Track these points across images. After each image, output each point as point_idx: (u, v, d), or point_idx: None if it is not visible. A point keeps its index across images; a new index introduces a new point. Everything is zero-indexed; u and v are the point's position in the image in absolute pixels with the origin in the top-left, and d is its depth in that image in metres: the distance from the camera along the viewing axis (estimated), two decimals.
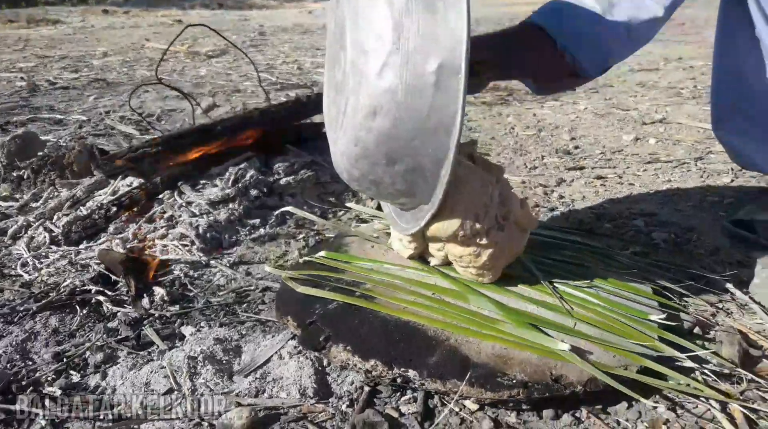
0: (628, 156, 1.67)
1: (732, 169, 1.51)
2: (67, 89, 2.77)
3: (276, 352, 0.79)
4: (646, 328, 0.76)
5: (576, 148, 1.76)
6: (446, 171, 0.69)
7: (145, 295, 0.94)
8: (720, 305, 0.90)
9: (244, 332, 0.85)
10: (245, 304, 0.93)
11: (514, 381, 0.67)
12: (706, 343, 0.80)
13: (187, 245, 1.09)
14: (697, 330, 0.83)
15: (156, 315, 0.90)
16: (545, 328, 0.75)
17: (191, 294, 0.96)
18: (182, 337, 0.85)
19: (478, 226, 0.78)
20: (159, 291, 0.95)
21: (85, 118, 2.17)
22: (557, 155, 1.69)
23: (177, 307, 0.92)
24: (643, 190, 1.40)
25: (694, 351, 0.75)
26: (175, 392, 0.73)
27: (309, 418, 0.69)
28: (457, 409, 0.69)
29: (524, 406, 0.69)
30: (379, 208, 1.29)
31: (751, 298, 0.90)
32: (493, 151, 1.75)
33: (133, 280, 0.96)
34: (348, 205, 1.08)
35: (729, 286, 0.93)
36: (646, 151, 1.71)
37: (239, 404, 0.71)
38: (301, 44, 4.39)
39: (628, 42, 0.95)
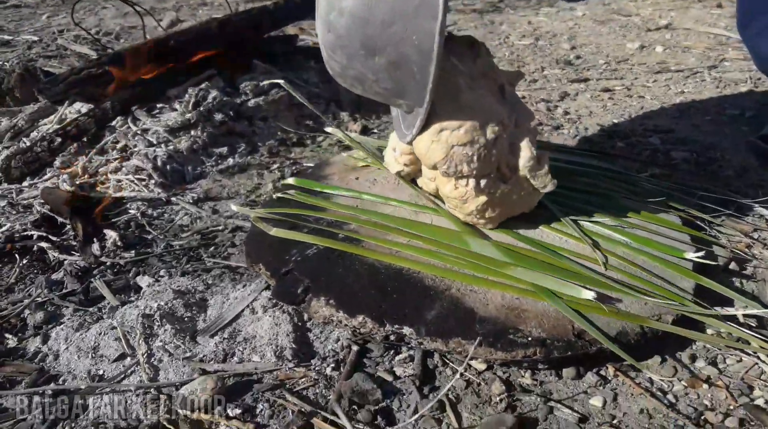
0: (634, 66, 1.52)
1: (750, 78, 1.37)
2: (18, 8, 2.52)
3: (248, 306, 0.67)
4: (678, 272, 0.65)
5: (578, 57, 1.61)
6: (434, 65, 0.56)
7: (95, 239, 0.81)
8: (755, 235, 0.79)
9: (210, 282, 0.73)
10: (212, 248, 0.80)
11: (530, 338, 0.56)
12: (744, 282, 0.69)
13: (144, 180, 0.95)
14: (733, 265, 0.72)
15: (108, 263, 0.77)
16: (564, 273, 0.63)
17: (149, 237, 0.83)
18: (138, 290, 0.73)
19: (465, 167, 0.65)
20: (111, 234, 0.82)
21: (36, 38, 1.96)
22: (558, 66, 1.54)
23: (132, 253, 0.79)
24: (655, 103, 1.26)
25: (732, 296, 0.64)
26: (128, 358, 0.62)
27: (287, 386, 0.58)
28: (461, 370, 0.58)
29: (541, 365, 0.59)
30: (365, 131, 1.15)
31: None
32: None
33: (81, 223, 0.83)
34: (327, 129, 0.94)
35: (763, 211, 0.82)
36: (653, 59, 1.56)
37: (204, 371, 0.59)
38: None
39: None
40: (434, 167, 0.68)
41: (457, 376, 0.58)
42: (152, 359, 0.61)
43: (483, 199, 0.67)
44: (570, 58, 1.60)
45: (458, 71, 0.66)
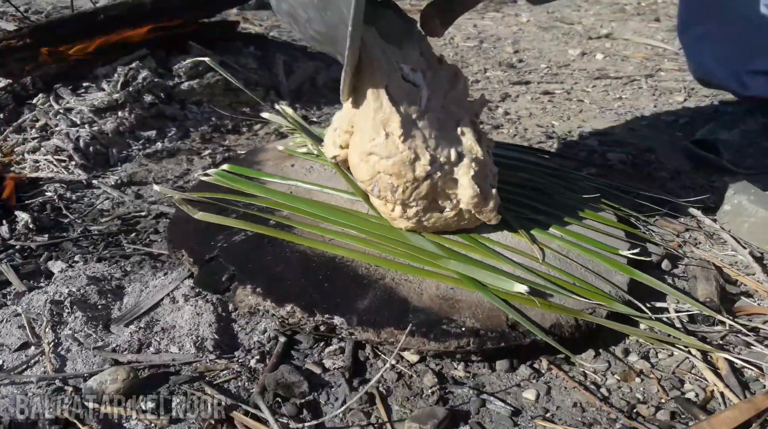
0: (575, 71, 1.54)
1: (685, 88, 1.41)
2: None
3: (168, 295, 0.63)
4: (613, 267, 0.65)
5: (520, 61, 1.62)
6: (353, 8, 0.49)
7: (4, 221, 0.75)
8: (687, 235, 0.80)
9: (128, 269, 0.68)
10: (133, 234, 0.75)
11: (464, 328, 0.55)
12: (676, 280, 0.70)
13: (64, 161, 0.88)
14: (665, 264, 0.72)
15: (17, 247, 0.71)
16: (500, 265, 0.62)
17: (66, 221, 0.77)
18: (49, 275, 0.67)
19: (389, 195, 0.62)
20: (23, 216, 0.75)
21: None
22: (501, 68, 1.55)
23: (45, 236, 0.73)
24: (593, 107, 1.28)
25: (665, 292, 0.64)
26: (32, 347, 0.56)
27: (207, 378, 0.54)
28: (393, 362, 0.56)
29: (474, 357, 0.57)
30: (305, 121, 1.11)
31: (720, 226, 0.80)
32: None
33: None
34: (264, 115, 0.90)
35: (695, 212, 0.83)
36: (593, 66, 1.59)
37: (116, 362, 0.55)
38: None
39: None
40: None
41: (387, 366, 0.55)
42: (59, 349, 0.56)
43: (411, 224, 0.65)
44: (513, 62, 1.61)
45: (410, 102, 0.62)
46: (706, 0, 0.96)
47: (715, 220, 0.81)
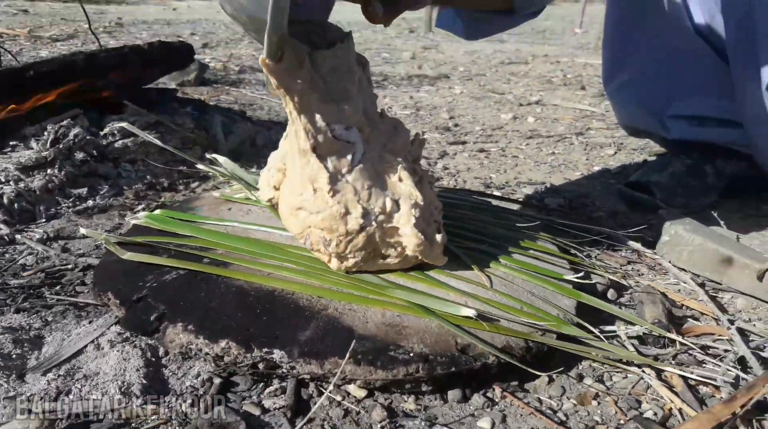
0: (508, 132, 1.59)
1: (614, 143, 1.47)
2: None
3: (92, 342, 0.58)
4: (561, 291, 0.64)
5: (456, 125, 1.67)
6: None
7: None
8: (629, 267, 0.80)
9: (49, 319, 0.63)
10: (58, 287, 0.70)
11: (412, 354, 0.52)
12: (623, 309, 0.69)
13: None
14: (611, 293, 0.72)
15: None
16: (446, 294, 0.60)
17: None
18: None
19: (322, 247, 0.61)
20: None
21: None
22: (438, 131, 1.58)
23: None
24: (528, 161, 1.31)
25: (615, 314, 0.64)
26: None
27: (133, 425, 0.49)
28: (339, 398, 0.52)
29: (424, 387, 0.54)
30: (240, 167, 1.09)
31: (660, 257, 0.81)
32: None
33: None
34: (199, 166, 0.88)
35: (635, 245, 0.84)
36: (525, 128, 1.65)
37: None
38: (162, 32, 4.04)
39: None
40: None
41: (329, 394, 0.51)
42: None
43: (348, 267, 0.63)
44: (449, 125, 1.65)
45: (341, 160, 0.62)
46: (625, 49, 1.01)
47: (654, 252, 0.83)
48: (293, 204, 0.61)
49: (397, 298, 0.58)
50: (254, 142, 1.25)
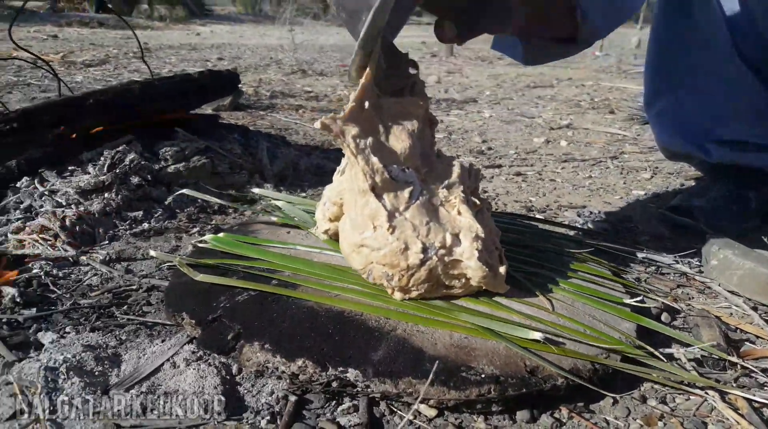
0: (542, 156, 1.61)
1: (649, 166, 1.48)
2: None
3: (168, 360, 0.60)
4: (620, 314, 0.65)
5: (489, 148, 1.69)
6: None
7: None
8: (680, 290, 0.81)
9: (124, 337, 0.65)
10: (125, 307, 0.73)
11: (483, 375, 0.53)
12: (678, 331, 0.70)
13: (49, 240, 0.86)
14: (665, 316, 0.73)
15: (3, 319, 0.68)
16: (510, 316, 0.62)
17: (53, 296, 0.74)
18: (39, 346, 0.63)
19: (385, 282, 0.63)
20: (9, 291, 0.72)
21: None
22: (472, 155, 1.61)
23: (33, 310, 0.70)
24: (566, 184, 1.33)
25: (674, 336, 0.65)
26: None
27: None
28: (411, 417, 0.54)
29: (494, 408, 0.55)
30: (290, 193, 1.12)
31: (710, 280, 0.82)
32: None
33: None
34: (254, 190, 0.91)
35: (684, 268, 0.85)
36: (559, 151, 1.67)
37: (118, 427, 0.51)
38: (189, 57, 4.13)
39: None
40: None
41: (409, 416, 0.53)
42: (55, 416, 0.52)
43: (411, 297, 0.65)
44: (482, 149, 1.68)
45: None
46: (668, 74, 1.03)
47: (704, 276, 0.83)
48: (355, 241, 0.63)
49: (463, 321, 0.59)
50: (297, 166, 1.28)
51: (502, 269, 0.64)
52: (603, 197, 1.24)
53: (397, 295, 0.64)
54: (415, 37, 7.81)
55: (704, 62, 0.98)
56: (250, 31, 7.68)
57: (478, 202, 0.67)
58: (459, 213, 0.65)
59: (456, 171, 0.68)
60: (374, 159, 0.62)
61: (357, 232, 0.63)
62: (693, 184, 1.32)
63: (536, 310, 0.64)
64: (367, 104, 0.63)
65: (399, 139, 0.65)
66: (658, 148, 1.15)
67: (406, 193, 0.64)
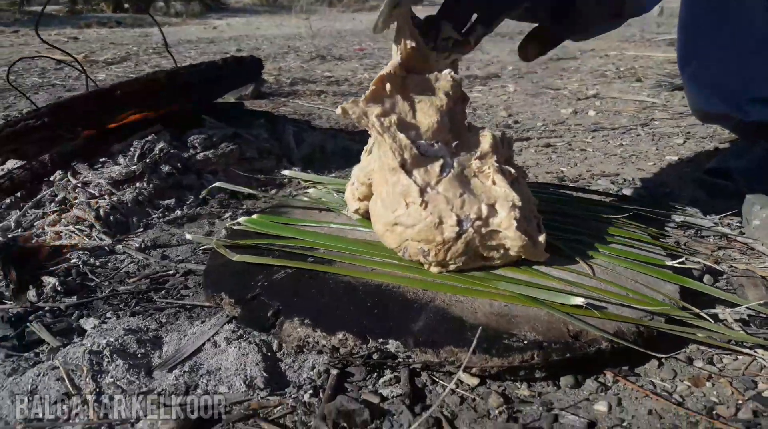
0: (571, 126, 1.58)
1: (681, 132, 1.45)
2: None
3: (209, 340, 0.61)
4: (662, 276, 0.64)
5: (516, 122, 1.66)
6: None
7: (31, 286, 0.73)
8: (720, 252, 0.79)
9: (164, 320, 0.66)
10: (163, 291, 0.74)
11: (526, 342, 0.53)
12: (722, 292, 0.68)
13: (85, 230, 0.88)
14: (707, 278, 0.71)
15: (46, 308, 0.69)
16: (551, 283, 0.61)
17: (93, 283, 0.76)
18: (82, 332, 0.64)
19: (421, 258, 0.63)
20: (50, 280, 0.74)
21: None
22: (499, 129, 1.58)
23: (74, 298, 0.71)
24: (597, 153, 1.30)
25: (720, 297, 0.63)
26: (73, 398, 0.53)
27: (261, 415, 0.51)
28: (453, 386, 0.53)
29: (537, 374, 0.54)
30: (320, 173, 1.12)
31: (752, 241, 0.80)
32: None
33: (14, 271, 0.74)
34: (285, 172, 0.91)
35: (725, 230, 0.83)
36: (588, 121, 1.64)
37: (164, 405, 0.52)
38: (208, 50, 4.14)
39: None
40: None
41: (451, 386, 0.52)
42: (102, 397, 0.53)
43: (449, 270, 0.64)
44: (509, 123, 1.66)
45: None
46: (703, 33, 1.00)
47: (745, 237, 0.81)
48: (388, 220, 0.63)
49: (503, 289, 0.59)
50: (323, 149, 1.28)
51: (542, 237, 0.63)
52: (636, 164, 1.21)
53: (435, 270, 0.63)
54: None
55: (737, 19, 0.94)
56: (266, 22, 7.68)
57: (513, 170, 0.66)
58: (494, 183, 0.64)
59: (488, 141, 0.67)
60: (401, 136, 0.62)
61: (389, 210, 0.63)
62: (728, 146, 1.28)
63: (577, 276, 0.63)
64: (388, 86, 0.63)
65: (426, 115, 0.64)
66: (691, 111, 1.12)
67: (436, 167, 0.63)
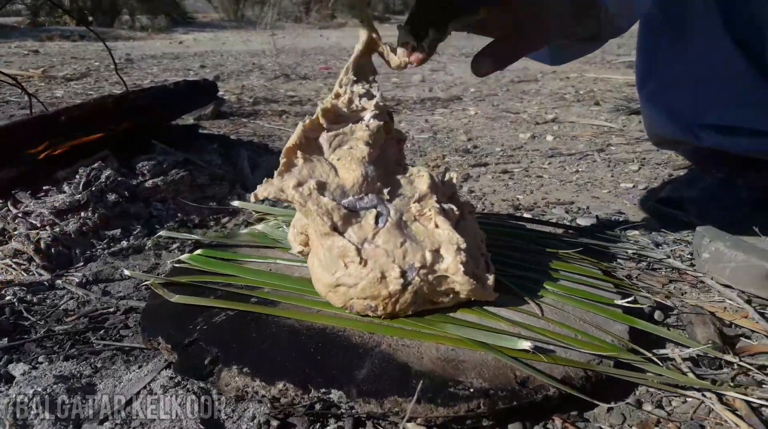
0: (529, 152, 1.59)
1: (636, 158, 1.46)
2: None
3: (145, 387, 0.58)
4: (611, 316, 0.63)
5: (475, 147, 1.67)
6: None
7: None
8: (671, 286, 0.79)
9: (99, 365, 0.63)
10: (102, 331, 0.70)
11: (472, 390, 0.51)
12: (671, 329, 0.68)
13: (23, 264, 0.84)
14: (657, 314, 0.71)
15: None
16: (498, 325, 0.60)
17: (27, 323, 0.72)
18: (10, 379, 0.61)
19: (369, 312, 0.60)
20: None
21: None
22: (458, 154, 1.59)
23: (5, 340, 0.68)
24: (553, 180, 1.31)
25: (668, 337, 0.63)
26: None
27: None
28: None
29: (485, 422, 0.53)
30: (273, 204, 1.09)
31: (702, 274, 0.80)
32: None
33: None
34: (234, 203, 0.89)
35: (675, 263, 0.83)
36: (545, 146, 1.65)
37: None
38: (172, 67, 4.09)
39: None
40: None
41: None
42: None
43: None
44: (468, 147, 1.66)
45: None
46: (658, 57, 1.01)
47: (695, 270, 0.82)
48: (329, 282, 0.61)
49: (450, 333, 0.57)
50: None
51: (491, 279, 0.62)
52: (591, 192, 1.22)
53: (386, 321, 0.61)
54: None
55: (695, 45, 0.95)
56: (232, 38, 7.64)
57: (456, 209, 0.65)
58: (436, 225, 0.62)
59: (425, 181, 0.65)
60: (324, 200, 0.60)
61: (329, 272, 0.60)
62: (681, 174, 1.30)
63: (525, 316, 0.61)
64: (299, 154, 0.62)
65: (349, 170, 0.62)
66: (648, 135, 1.13)
67: (370, 219, 0.61)
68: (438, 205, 0.63)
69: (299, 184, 0.60)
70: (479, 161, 1.50)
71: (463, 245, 0.61)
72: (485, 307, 0.62)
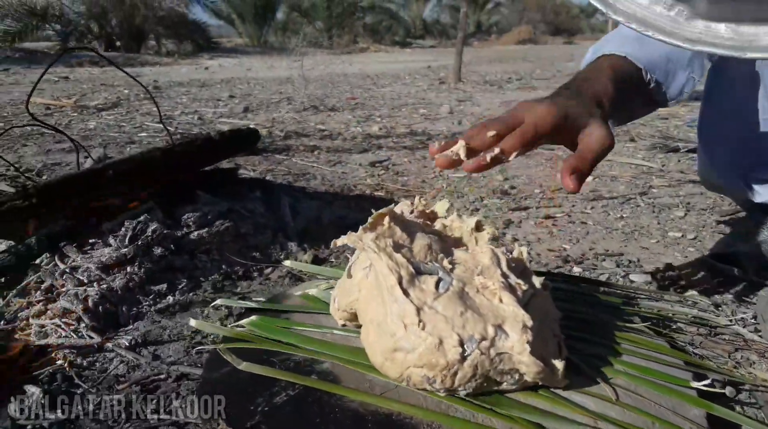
0: (568, 194, 1.57)
1: (681, 202, 1.43)
2: None
3: None
4: (688, 401, 0.60)
5: (512, 187, 1.65)
6: None
7: (12, 398, 0.68)
8: (738, 355, 0.76)
9: None
10: (155, 402, 0.69)
11: None
12: (746, 408, 0.65)
13: (72, 324, 0.83)
14: (729, 390, 0.68)
15: (28, 427, 0.64)
16: (571, 413, 0.57)
17: (79, 391, 0.71)
18: None
19: (426, 386, 0.58)
20: (33, 390, 0.69)
21: None
22: (496, 196, 1.57)
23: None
24: (599, 228, 1.28)
25: (747, 422, 0.60)
26: None
27: None
28: None
29: None
30: (316, 260, 1.08)
31: None
32: (427, 193, 1.60)
33: None
34: (285, 263, 0.88)
35: (738, 329, 0.80)
36: (585, 188, 1.62)
37: None
38: (200, 96, 4.15)
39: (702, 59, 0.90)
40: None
41: None
42: None
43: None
44: (506, 188, 1.64)
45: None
46: (718, 105, 0.99)
47: (760, 335, 0.79)
48: (387, 347, 0.59)
49: (523, 421, 0.55)
50: (319, 220, 1.25)
51: (560, 364, 0.59)
52: (639, 241, 1.19)
53: (442, 394, 0.59)
54: (421, 62, 7.84)
55: (750, 98, 0.93)
56: (257, 64, 7.75)
57: (525, 285, 0.62)
58: (501, 300, 0.60)
59: (487, 255, 0.64)
60: (397, 255, 0.62)
61: (387, 335, 0.59)
62: (729, 221, 1.27)
63: (598, 401, 0.59)
64: (386, 220, 0.66)
65: (420, 239, 0.65)
66: (700, 178, 1.11)
67: (431, 283, 0.60)
68: (503, 280, 0.61)
69: (377, 238, 0.63)
70: (519, 205, 1.48)
71: (530, 323, 0.58)
72: (555, 390, 0.60)
